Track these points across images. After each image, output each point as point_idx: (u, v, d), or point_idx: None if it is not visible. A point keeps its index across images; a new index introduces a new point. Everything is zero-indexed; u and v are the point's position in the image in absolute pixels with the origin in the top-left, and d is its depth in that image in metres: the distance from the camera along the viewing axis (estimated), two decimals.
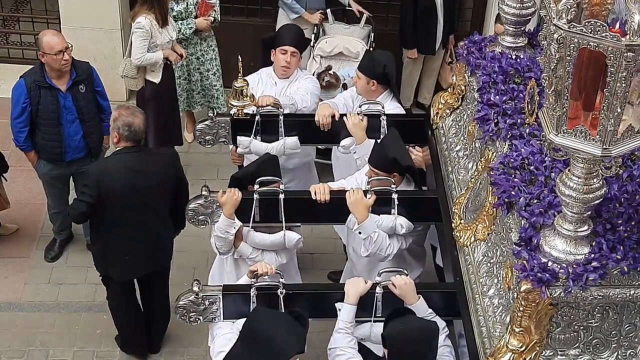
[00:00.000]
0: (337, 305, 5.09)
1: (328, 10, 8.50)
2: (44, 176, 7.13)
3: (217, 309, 5.14)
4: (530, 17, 5.47)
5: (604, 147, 3.83)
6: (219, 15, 8.20)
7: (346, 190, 5.60)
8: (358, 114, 6.10)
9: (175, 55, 7.78)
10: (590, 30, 3.57)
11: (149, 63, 7.65)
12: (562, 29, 3.63)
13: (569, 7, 3.63)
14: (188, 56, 8.11)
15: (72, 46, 6.72)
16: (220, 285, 5.19)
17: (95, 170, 6.14)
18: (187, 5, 7.98)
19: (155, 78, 7.75)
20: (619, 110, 3.73)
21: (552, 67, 3.77)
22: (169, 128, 7.99)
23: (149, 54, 7.59)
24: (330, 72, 8.04)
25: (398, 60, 8.75)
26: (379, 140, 5.87)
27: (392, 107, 6.35)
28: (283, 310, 5.05)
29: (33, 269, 7.45)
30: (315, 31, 8.49)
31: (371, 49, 8.25)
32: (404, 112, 6.59)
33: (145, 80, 7.79)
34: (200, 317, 5.16)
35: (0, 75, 9.07)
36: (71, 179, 7.26)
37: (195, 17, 8.07)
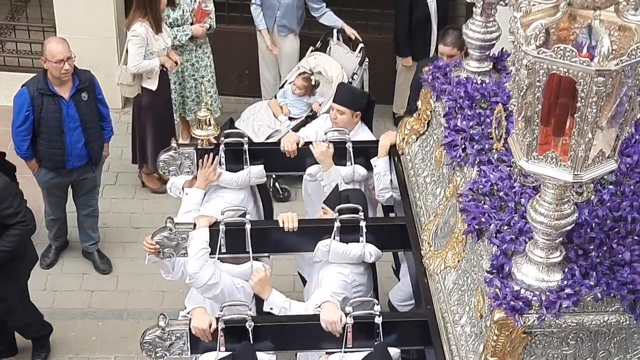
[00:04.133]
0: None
1: (335, 30, 8.49)
2: (44, 184, 7.09)
3: (184, 344, 5.03)
4: (494, 41, 5.41)
5: (576, 172, 3.76)
6: (214, 23, 8.21)
7: (314, 219, 5.49)
8: (323, 141, 6.01)
9: (170, 62, 7.78)
10: (559, 56, 3.50)
11: (145, 70, 7.64)
12: (531, 55, 3.56)
13: (538, 32, 3.56)
14: (183, 62, 8.11)
15: (75, 56, 6.68)
16: (187, 320, 5.05)
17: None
18: (183, 12, 7.99)
19: (152, 85, 7.74)
20: (590, 135, 3.66)
21: (522, 93, 3.70)
22: (165, 135, 7.92)
23: (145, 61, 7.58)
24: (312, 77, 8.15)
25: (392, 68, 8.77)
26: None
27: (366, 135, 6.33)
28: (252, 343, 4.94)
29: None
30: (318, 45, 8.51)
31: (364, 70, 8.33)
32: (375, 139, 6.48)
33: (142, 87, 7.76)
34: (167, 353, 5.05)
35: None
36: (69, 187, 7.23)
37: (191, 24, 8.06)
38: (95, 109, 6.94)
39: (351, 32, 8.44)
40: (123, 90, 7.89)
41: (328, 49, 8.51)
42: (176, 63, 7.81)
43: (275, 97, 8.27)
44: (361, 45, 8.36)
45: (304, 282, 6.55)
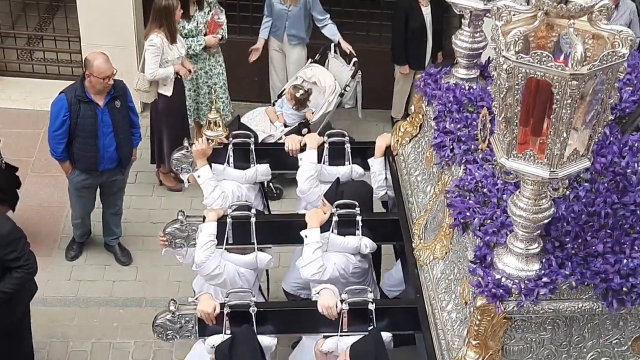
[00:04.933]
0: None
1: (332, 45, 8.47)
2: (75, 185, 7.06)
3: (192, 327, 5.04)
4: (481, 50, 5.41)
5: (552, 169, 3.78)
6: (226, 33, 8.21)
7: None
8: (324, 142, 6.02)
9: (184, 70, 7.77)
10: (537, 61, 3.52)
11: (161, 77, 7.64)
12: (510, 60, 3.57)
13: (517, 39, 3.57)
14: (197, 70, 8.12)
15: (116, 71, 6.70)
16: (195, 304, 5.06)
17: None
18: (197, 24, 8.01)
19: (167, 91, 7.75)
20: (564, 135, 3.67)
21: (502, 96, 3.71)
22: (180, 137, 7.92)
23: (161, 69, 7.58)
24: (306, 91, 8.07)
25: (390, 75, 8.79)
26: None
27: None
28: (255, 327, 4.97)
29: (55, 267, 7.42)
30: (317, 57, 8.49)
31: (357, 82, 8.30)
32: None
33: (158, 93, 7.77)
34: (177, 335, 5.07)
35: (25, 89, 9.05)
36: (98, 190, 7.23)
37: (205, 35, 8.07)
38: (127, 116, 6.96)
39: (346, 46, 8.42)
40: (141, 96, 7.88)
41: (326, 61, 8.51)
42: (189, 71, 7.82)
43: (274, 105, 8.29)
44: (355, 59, 8.35)
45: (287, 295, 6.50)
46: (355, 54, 8.34)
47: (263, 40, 8.50)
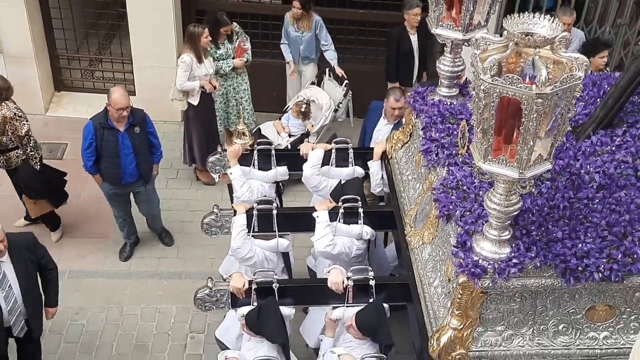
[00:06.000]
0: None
1: (327, 69, 8.47)
2: (106, 194, 7.04)
3: (226, 300, 5.06)
4: (460, 72, 5.39)
5: (521, 171, 3.79)
6: (250, 57, 8.21)
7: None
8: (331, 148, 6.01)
9: (210, 85, 7.73)
10: (508, 83, 3.53)
11: (188, 89, 7.63)
12: (487, 82, 3.57)
13: (492, 65, 3.58)
14: (227, 87, 8.13)
15: (132, 105, 6.63)
16: (229, 282, 5.07)
17: None
18: (227, 50, 8.03)
19: (194, 101, 7.73)
20: (531, 143, 3.68)
21: (480, 111, 3.72)
22: (209, 140, 7.95)
23: (188, 82, 7.58)
24: (307, 103, 8.09)
25: (384, 91, 8.73)
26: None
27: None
28: (276, 299, 4.99)
29: (111, 246, 7.46)
30: (315, 80, 8.48)
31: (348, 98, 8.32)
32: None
33: (188, 102, 7.77)
34: (213, 307, 5.07)
35: (87, 102, 9.12)
36: (131, 195, 7.19)
37: (233, 58, 8.08)
38: (146, 140, 6.85)
39: (339, 71, 8.41)
40: (175, 105, 7.89)
41: (322, 83, 8.52)
42: (215, 87, 7.78)
43: (280, 119, 8.31)
44: (346, 81, 8.34)
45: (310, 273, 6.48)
46: (346, 77, 8.35)
47: (292, 60, 8.49)
